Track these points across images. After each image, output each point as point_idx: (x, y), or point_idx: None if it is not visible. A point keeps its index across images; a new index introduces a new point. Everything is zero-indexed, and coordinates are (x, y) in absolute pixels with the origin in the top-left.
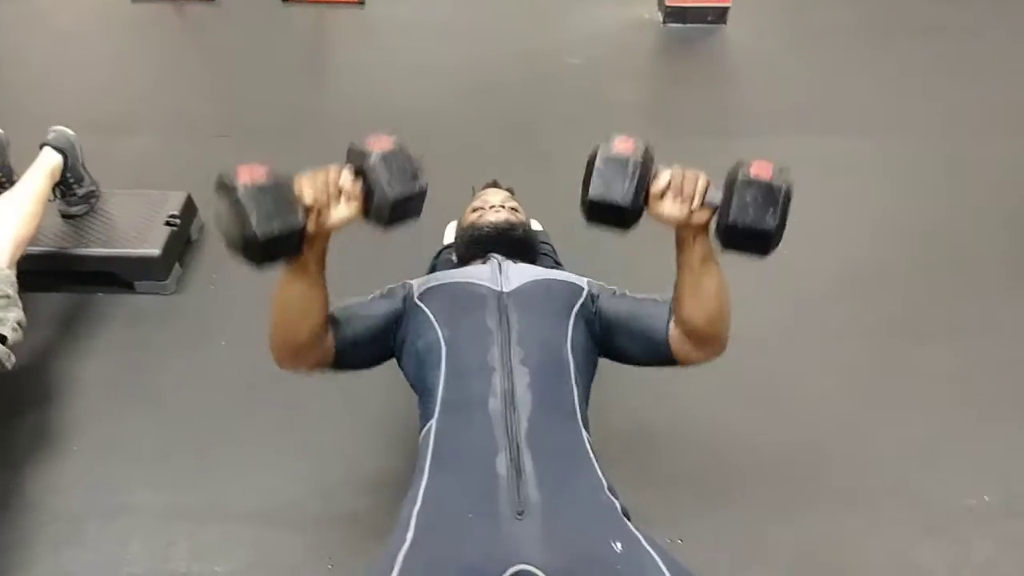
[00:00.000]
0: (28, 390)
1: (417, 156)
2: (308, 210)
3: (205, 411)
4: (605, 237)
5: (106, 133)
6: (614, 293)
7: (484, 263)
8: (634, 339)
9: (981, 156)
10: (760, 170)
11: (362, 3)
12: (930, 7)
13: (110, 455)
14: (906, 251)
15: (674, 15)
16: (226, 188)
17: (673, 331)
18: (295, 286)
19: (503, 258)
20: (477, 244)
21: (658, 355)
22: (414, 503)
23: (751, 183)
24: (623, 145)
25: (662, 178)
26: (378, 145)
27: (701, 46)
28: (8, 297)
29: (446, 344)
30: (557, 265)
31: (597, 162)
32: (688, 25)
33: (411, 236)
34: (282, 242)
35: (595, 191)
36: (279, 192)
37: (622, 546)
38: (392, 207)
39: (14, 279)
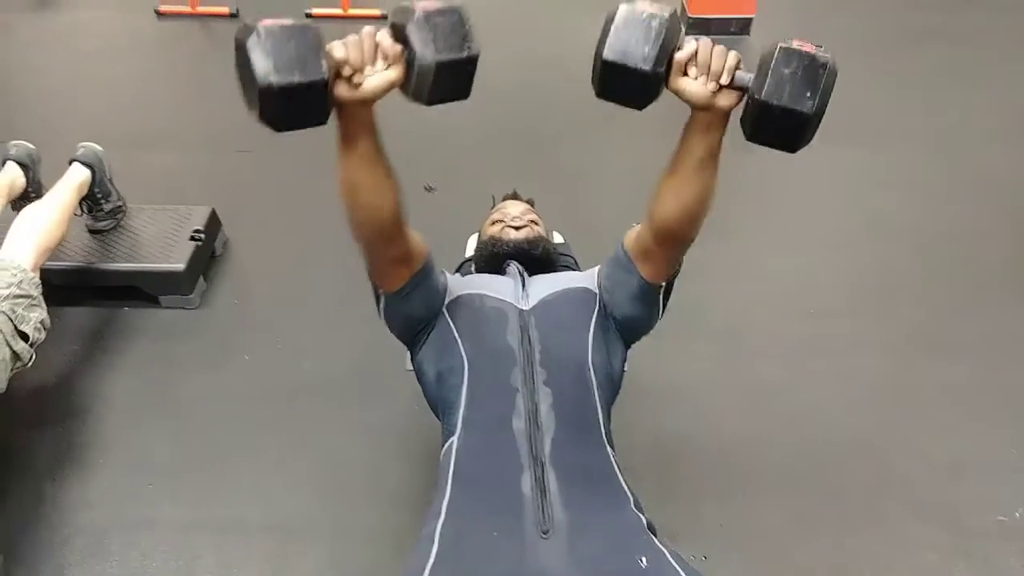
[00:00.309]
0: (54, 404)
1: (469, 21)
2: (339, 69)
3: (228, 425)
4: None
5: (132, 149)
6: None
7: (505, 274)
8: (614, 285)
9: (989, 163)
10: (803, 46)
11: (386, 17)
12: (950, 16)
13: (135, 469)
14: (919, 261)
15: (697, 26)
16: (247, 32)
17: (630, 234)
18: (351, 163)
19: (523, 268)
20: (497, 259)
21: (631, 279)
22: (437, 518)
23: (793, 54)
24: (648, 6)
25: (688, 47)
26: (424, 4)
27: None
28: (31, 297)
29: (468, 362)
30: None
31: (616, 20)
32: (711, 37)
33: (431, 249)
34: (303, 98)
35: (612, 51)
36: (305, 40)
37: (647, 562)
38: (435, 72)
39: (38, 281)
